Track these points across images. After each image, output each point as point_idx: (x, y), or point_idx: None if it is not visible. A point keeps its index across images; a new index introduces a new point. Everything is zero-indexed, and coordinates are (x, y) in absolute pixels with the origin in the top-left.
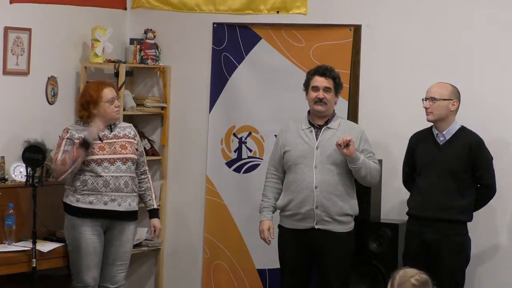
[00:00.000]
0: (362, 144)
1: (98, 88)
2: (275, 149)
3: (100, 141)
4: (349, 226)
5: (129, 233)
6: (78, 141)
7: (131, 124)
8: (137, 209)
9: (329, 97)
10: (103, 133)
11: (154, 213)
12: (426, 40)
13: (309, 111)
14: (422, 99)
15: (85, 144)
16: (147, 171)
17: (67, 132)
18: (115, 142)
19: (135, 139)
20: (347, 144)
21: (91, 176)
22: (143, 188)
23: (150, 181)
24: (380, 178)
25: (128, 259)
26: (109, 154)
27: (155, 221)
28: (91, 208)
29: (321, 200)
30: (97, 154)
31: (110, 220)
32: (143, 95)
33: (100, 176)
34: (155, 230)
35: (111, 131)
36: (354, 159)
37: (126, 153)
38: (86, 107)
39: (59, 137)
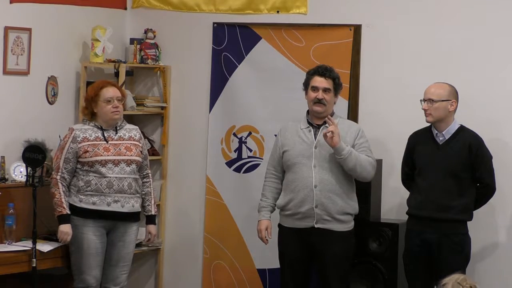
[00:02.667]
0: (357, 139)
1: (98, 86)
2: (274, 149)
3: (105, 142)
4: (349, 225)
5: (132, 234)
6: (57, 213)
7: (137, 127)
8: (140, 210)
9: (328, 98)
10: (108, 134)
11: (151, 219)
12: (426, 40)
13: (308, 111)
14: (420, 101)
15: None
16: (150, 175)
17: (72, 132)
18: (120, 143)
19: (140, 142)
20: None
21: (95, 176)
22: (144, 192)
23: (151, 186)
24: (380, 177)
25: (130, 260)
26: (114, 155)
27: (151, 227)
28: (94, 209)
29: (321, 199)
30: (102, 155)
31: (113, 221)
32: (143, 95)
33: (104, 177)
34: (149, 237)
35: (116, 133)
36: (338, 149)
37: (131, 155)
38: (88, 105)
39: (59, 137)
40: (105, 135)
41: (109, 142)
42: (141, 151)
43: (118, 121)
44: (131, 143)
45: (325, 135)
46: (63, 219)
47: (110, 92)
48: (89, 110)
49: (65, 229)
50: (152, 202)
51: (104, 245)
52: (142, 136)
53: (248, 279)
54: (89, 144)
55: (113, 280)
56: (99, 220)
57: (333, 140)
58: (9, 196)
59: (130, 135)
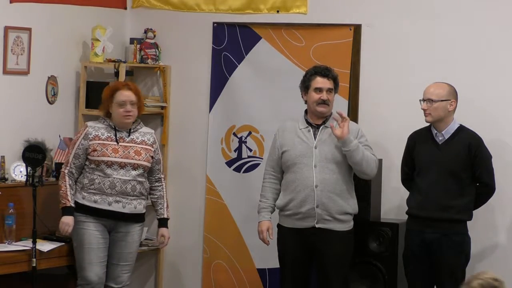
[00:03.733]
0: (358, 138)
1: (113, 87)
2: (272, 150)
3: (115, 143)
4: (349, 225)
5: (135, 235)
6: (62, 206)
7: (153, 131)
8: (143, 211)
9: (331, 98)
10: (120, 136)
11: (163, 222)
12: (426, 39)
13: (306, 110)
14: (420, 100)
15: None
16: (162, 179)
17: (85, 128)
18: (130, 146)
19: (152, 147)
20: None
21: (99, 175)
22: (156, 196)
23: (164, 190)
24: (380, 176)
25: (133, 260)
26: (121, 157)
27: (163, 230)
28: (95, 207)
29: (322, 199)
30: (109, 156)
31: (114, 220)
32: (143, 94)
33: (108, 177)
34: (163, 240)
35: (129, 135)
36: (346, 141)
37: (139, 160)
38: (106, 105)
39: (59, 137)
40: (117, 136)
41: (120, 143)
42: (152, 156)
43: (129, 124)
44: (141, 147)
45: (332, 127)
46: (66, 211)
47: (123, 95)
48: (105, 109)
49: (66, 220)
50: (165, 205)
51: (107, 241)
52: (156, 141)
53: (248, 279)
54: (99, 143)
55: (115, 279)
56: (101, 219)
57: (343, 131)
58: (9, 196)
59: (143, 139)
